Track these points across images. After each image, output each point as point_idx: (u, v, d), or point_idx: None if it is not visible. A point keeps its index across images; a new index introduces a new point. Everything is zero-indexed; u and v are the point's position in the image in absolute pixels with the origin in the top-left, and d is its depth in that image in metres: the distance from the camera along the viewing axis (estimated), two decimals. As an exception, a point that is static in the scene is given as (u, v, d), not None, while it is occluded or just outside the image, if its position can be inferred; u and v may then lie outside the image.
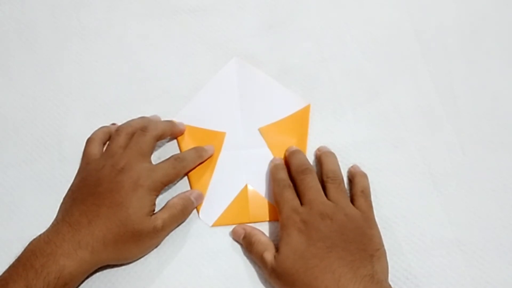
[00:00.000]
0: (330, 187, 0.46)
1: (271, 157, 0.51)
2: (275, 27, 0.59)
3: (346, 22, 0.59)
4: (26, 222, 0.47)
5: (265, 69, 0.56)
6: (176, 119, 0.52)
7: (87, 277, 0.43)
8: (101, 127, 0.50)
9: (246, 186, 0.50)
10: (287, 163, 0.49)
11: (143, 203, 0.43)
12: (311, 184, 0.45)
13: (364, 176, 0.49)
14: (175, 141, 0.52)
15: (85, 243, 0.41)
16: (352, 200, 0.46)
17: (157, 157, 0.50)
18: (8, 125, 0.52)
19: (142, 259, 0.45)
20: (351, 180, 0.49)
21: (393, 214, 0.48)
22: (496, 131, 0.53)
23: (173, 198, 0.47)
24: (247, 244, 0.45)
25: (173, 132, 0.51)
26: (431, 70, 0.56)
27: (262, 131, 0.52)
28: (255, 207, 0.48)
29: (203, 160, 0.50)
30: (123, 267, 0.45)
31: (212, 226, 0.48)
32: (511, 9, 0.60)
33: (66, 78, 0.55)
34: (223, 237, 0.47)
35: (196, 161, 0.49)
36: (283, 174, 0.48)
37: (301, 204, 0.44)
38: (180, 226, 0.47)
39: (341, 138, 0.52)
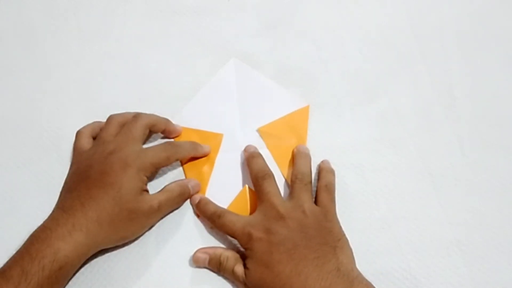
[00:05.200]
0: (296, 186, 0.46)
1: (270, 158, 0.51)
2: (274, 28, 0.59)
3: (345, 22, 0.59)
4: (25, 223, 0.46)
5: (264, 70, 0.56)
6: (174, 120, 0.52)
7: (84, 264, 0.43)
8: (91, 122, 0.50)
9: (245, 187, 0.49)
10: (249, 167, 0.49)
11: (134, 183, 0.43)
12: (268, 189, 0.45)
13: (331, 172, 0.49)
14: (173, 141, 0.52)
15: (79, 225, 0.41)
16: (316, 195, 0.47)
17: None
18: (7, 127, 0.52)
19: (141, 259, 0.45)
20: (318, 175, 0.49)
21: (392, 214, 0.48)
22: (495, 131, 0.53)
23: (171, 183, 0.47)
24: (217, 265, 0.44)
25: (167, 128, 0.50)
26: (430, 70, 0.56)
27: (261, 131, 0.52)
28: (254, 209, 0.48)
29: (198, 155, 0.50)
30: (122, 267, 0.45)
31: (212, 228, 0.47)
32: (509, 9, 0.60)
33: (65, 79, 0.55)
34: (222, 239, 0.47)
35: (189, 152, 0.49)
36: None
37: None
38: (179, 229, 0.47)
39: (340, 139, 0.52)
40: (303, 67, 0.56)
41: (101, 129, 0.48)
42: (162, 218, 0.47)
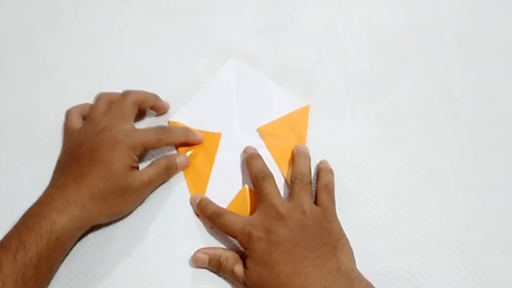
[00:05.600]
0: (295, 187, 0.46)
1: (270, 158, 0.51)
2: (274, 28, 0.59)
3: (345, 22, 0.59)
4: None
5: (264, 70, 0.56)
6: (173, 120, 0.52)
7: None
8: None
9: (245, 187, 0.49)
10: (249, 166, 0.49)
11: (124, 160, 0.44)
12: (268, 189, 0.45)
13: (330, 171, 0.49)
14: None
15: (73, 200, 0.42)
16: (316, 195, 0.47)
17: (155, 157, 0.50)
18: (7, 127, 0.52)
19: (140, 259, 0.45)
20: (317, 175, 0.49)
21: (392, 215, 0.48)
22: (495, 131, 0.53)
23: (158, 157, 0.49)
24: (216, 265, 0.44)
25: (156, 104, 0.51)
26: (430, 70, 0.56)
27: (260, 131, 0.52)
28: (254, 208, 0.48)
29: (189, 141, 0.50)
30: (122, 267, 0.45)
31: (211, 228, 0.47)
32: (509, 9, 0.61)
33: (65, 79, 0.55)
34: (222, 239, 0.47)
35: (181, 137, 0.50)
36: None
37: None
38: (179, 228, 0.47)
39: (340, 139, 0.52)
40: (303, 67, 0.56)
41: (91, 108, 0.49)
42: (152, 191, 0.48)
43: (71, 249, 0.44)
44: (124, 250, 0.46)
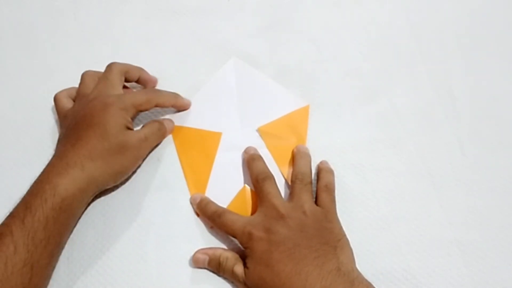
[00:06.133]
0: (296, 187, 0.46)
1: (270, 157, 0.51)
2: (274, 28, 0.59)
3: (345, 22, 0.59)
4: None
5: (264, 70, 0.56)
6: (173, 119, 0.52)
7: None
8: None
9: (244, 186, 0.49)
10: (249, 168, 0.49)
11: (117, 119, 0.45)
12: (269, 190, 0.46)
13: (330, 172, 0.49)
14: (172, 141, 0.52)
15: (73, 162, 0.42)
16: (316, 195, 0.47)
17: (156, 158, 0.50)
18: (7, 127, 0.52)
19: (141, 259, 0.45)
20: (317, 176, 0.49)
21: (392, 215, 0.48)
22: (495, 131, 0.53)
23: (147, 122, 0.50)
24: (216, 265, 0.44)
25: (142, 75, 0.52)
26: (430, 70, 0.56)
27: (260, 131, 0.52)
28: (254, 208, 0.48)
29: (177, 107, 0.52)
30: (120, 267, 0.45)
31: (211, 228, 0.47)
32: (509, 9, 0.61)
33: (65, 79, 0.55)
34: (222, 239, 0.47)
35: (170, 99, 0.51)
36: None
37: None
38: (179, 228, 0.47)
39: (340, 139, 0.52)
40: (303, 67, 0.56)
41: (78, 87, 0.50)
42: (150, 149, 0.49)
43: (82, 213, 0.46)
44: (124, 250, 0.46)
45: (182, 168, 0.50)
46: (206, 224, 0.48)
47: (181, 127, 0.52)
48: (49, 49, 0.57)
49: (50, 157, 0.50)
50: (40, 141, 0.51)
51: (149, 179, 0.49)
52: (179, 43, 0.58)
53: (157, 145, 0.51)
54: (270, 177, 0.47)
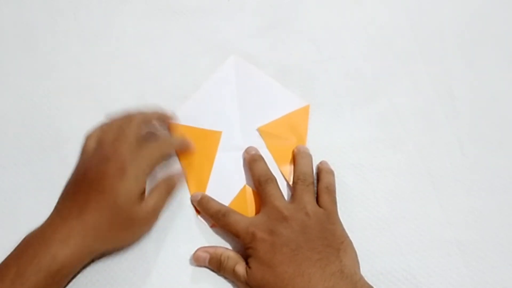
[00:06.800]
0: (298, 188, 0.46)
1: (270, 157, 0.51)
2: (274, 27, 0.59)
3: (345, 22, 0.59)
4: (25, 224, 0.46)
5: (264, 69, 0.56)
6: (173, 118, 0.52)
7: (84, 268, 0.44)
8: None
9: (244, 186, 0.49)
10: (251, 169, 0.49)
11: (131, 190, 0.42)
12: (271, 192, 0.46)
13: (330, 172, 0.49)
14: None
15: (76, 231, 0.41)
16: (317, 197, 0.47)
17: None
18: (7, 127, 0.52)
19: (140, 259, 0.45)
20: (318, 176, 0.49)
21: (392, 215, 0.48)
22: (495, 131, 0.53)
23: (157, 182, 0.46)
24: (217, 264, 0.44)
25: (160, 116, 0.50)
26: (430, 70, 0.56)
27: (261, 130, 0.52)
28: (254, 208, 0.48)
29: (184, 151, 0.50)
30: (120, 267, 0.45)
31: (212, 226, 0.47)
32: (509, 9, 0.61)
33: (65, 79, 0.55)
34: (222, 238, 0.47)
35: (181, 147, 0.50)
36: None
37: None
38: (180, 227, 0.47)
39: (340, 139, 0.52)
40: (303, 67, 0.56)
41: (101, 132, 0.47)
42: (158, 220, 0.46)
43: (70, 280, 0.43)
44: (124, 249, 0.46)
45: (182, 167, 0.50)
46: (207, 222, 0.48)
47: (180, 126, 0.52)
48: (49, 49, 0.57)
49: (50, 157, 0.50)
50: (40, 141, 0.51)
51: (149, 178, 0.49)
52: (179, 43, 0.58)
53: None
54: (272, 179, 0.47)
